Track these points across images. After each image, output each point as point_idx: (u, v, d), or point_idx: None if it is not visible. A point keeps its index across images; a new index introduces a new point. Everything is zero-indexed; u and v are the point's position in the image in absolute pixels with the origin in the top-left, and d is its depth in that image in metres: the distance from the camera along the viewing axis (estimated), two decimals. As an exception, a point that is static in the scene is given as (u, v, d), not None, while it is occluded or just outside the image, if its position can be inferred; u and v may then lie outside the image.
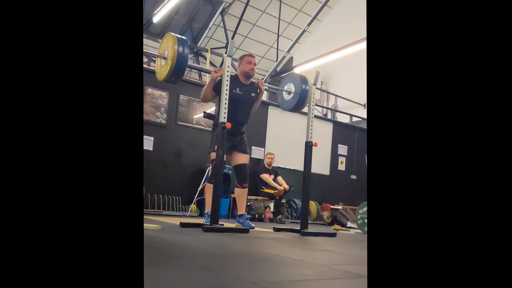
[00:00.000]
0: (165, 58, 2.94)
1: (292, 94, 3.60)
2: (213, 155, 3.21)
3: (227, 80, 3.01)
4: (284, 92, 3.69)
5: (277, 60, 8.12)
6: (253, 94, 3.43)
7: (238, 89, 3.32)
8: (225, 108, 2.96)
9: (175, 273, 1.19)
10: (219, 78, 3.14)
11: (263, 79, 8.39)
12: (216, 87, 3.18)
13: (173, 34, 2.94)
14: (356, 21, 7.04)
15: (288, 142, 6.36)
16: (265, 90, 3.93)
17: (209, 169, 3.51)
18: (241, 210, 3.46)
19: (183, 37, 2.96)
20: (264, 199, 5.64)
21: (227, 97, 2.99)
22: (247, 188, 3.46)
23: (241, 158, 3.42)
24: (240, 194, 3.44)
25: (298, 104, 3.56)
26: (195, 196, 5.15)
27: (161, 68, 3.03)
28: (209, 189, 3.23)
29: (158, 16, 8.02)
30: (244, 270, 1.41)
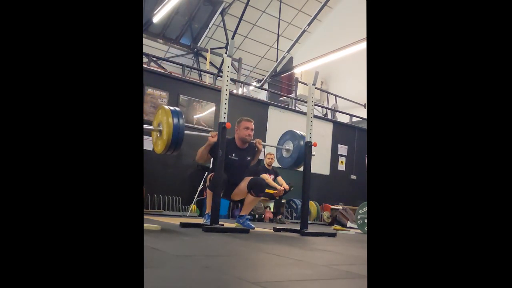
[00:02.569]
0: (160, 131, 2.93)
1: (290, 153, 3.69)
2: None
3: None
4: (283, 150, 3.79)
5: (277, 60, 8.11)
6: (248, 158, 3.47)
7: (233, 155, 3.37)
8: (225, 108, 3.00)
9: (175, 273, 1.19)
10: (215, 142, 3.15)
11: (262, 82, 8.39)
12: (212, 150, 3.21)
13: (166, 107, 2.95)
14: (356, 21, 7.05)
15: (288, 142, 6.34)
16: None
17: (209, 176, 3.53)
18: (245, 212, 3.47)
19: (176, 108, 2.97)
20: (264, 199, 5.64)
21: (227, 93, 3.04)
22: (261, 197, 3.53)
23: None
24: (252, 200, 3.42)
25: (296, 163, 3.68)
26: (195, 196, 5.15)
27: (157, 140, 3.00)
28: (209, 194, 3.25)
29: (158, 16, 8.02)
30: (244, 270, 1.41)
